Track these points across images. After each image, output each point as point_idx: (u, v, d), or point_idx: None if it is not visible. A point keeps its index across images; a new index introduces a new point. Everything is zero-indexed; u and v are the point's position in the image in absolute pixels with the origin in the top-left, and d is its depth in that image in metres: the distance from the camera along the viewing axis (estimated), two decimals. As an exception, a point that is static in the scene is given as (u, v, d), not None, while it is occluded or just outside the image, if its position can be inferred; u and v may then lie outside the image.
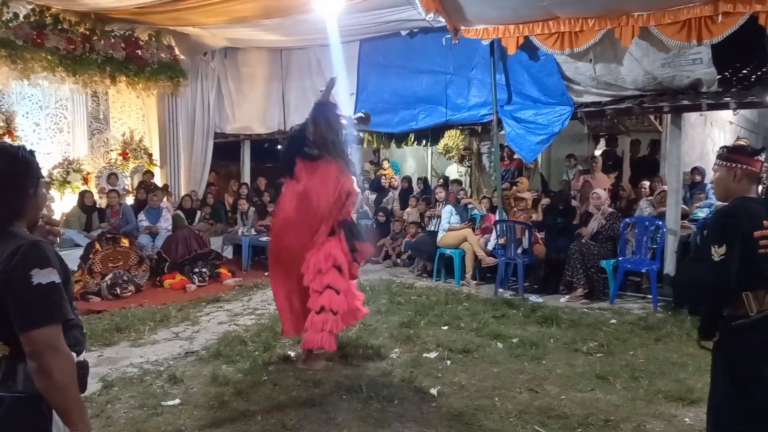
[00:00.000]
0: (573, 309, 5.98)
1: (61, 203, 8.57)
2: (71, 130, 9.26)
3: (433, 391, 3.80)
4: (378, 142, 9.33)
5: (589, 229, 6.61)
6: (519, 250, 6.82)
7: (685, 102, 6.40)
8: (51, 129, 9.07)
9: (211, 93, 10.32)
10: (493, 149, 7.98)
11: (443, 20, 6.86)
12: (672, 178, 6.65)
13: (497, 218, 7.35)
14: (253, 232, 9.05)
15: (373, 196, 10.29)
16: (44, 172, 8.52)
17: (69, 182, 8.72)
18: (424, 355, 4.58)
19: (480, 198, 8.19)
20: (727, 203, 2.39)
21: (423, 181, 10.61)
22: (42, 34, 8.00)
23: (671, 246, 6.42)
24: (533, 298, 6.45)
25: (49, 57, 8.11)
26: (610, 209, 6.74)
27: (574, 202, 7.36)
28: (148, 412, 3.57)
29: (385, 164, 11.42)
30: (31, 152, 1.68)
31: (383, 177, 10.52)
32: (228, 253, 9.17)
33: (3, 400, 1.47)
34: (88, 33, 8.51)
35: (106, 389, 3.93)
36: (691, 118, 8.09)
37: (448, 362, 4.41)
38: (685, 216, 6.88)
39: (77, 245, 7.53)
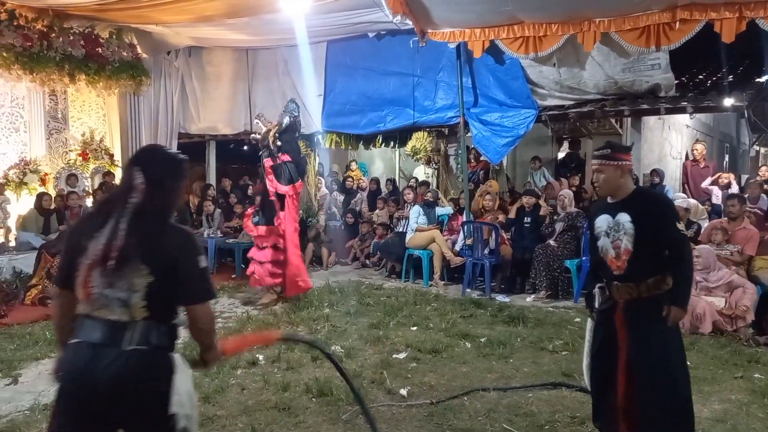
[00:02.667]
0: (539, 308, 6.09)
1: (18, 205, 8.27)
2: (28, 130, 8.95)
3: (403, 392, 3.82)
4: (346, 144, 9.31)
5: (556, 230, 6.73)
6: (486, 251, 6.91)
7: (645, 106, 6.62)
8: (6, 129, 8.75)
9: (175, 92, 10.12)
10: (459, 151, 8.07)
11: (410, 23, 6.91)
12: (632, 180, 6.83)
13: (464, 219, 7.43)
14: (219, 234, 8.93)
15: (341, 198, 10.27)
16: (-1, 173, 8.30)
17: (26, 183, 8.42)
18: (394, 356, 4.59)
19: (447, 200, 8.26)
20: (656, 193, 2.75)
21: (392, 182, 10.64)
22: (-4, 31, 7.71)
23: (632, 245, 6.59)
24: (500, 298, 6.54)
25: (4, 54, 7.83)
26: (575, 210, 6.88)
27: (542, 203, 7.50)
28: (112, 420, 3.49)
29: (353, 165, 11.40)
30: (182, 154, 2.07)
31: (350, 178, 10.51)
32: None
33: (143, 352, 1.82)
34: (45, 30, 8.24)
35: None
36: (650, 121, 8.35)
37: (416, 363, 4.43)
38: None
39: (34, 248, 7.28)
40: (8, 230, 7.91)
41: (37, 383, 4.06)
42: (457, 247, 7.36)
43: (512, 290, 6.89)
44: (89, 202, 8.73)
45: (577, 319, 5.66)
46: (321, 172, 10.49)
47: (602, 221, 2.85)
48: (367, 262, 8.66)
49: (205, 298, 1.90)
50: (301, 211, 9.34)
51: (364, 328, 5.33)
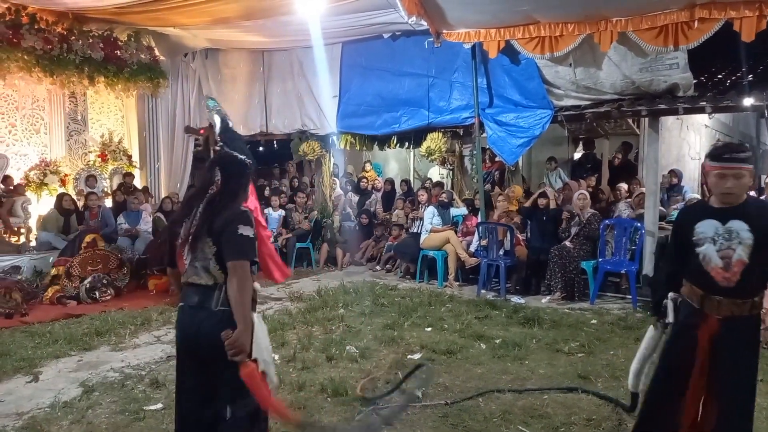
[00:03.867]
0: (554, 310, 6.05)
1: (38, 206, 8.42)
2: (48, 132, 9.12)
3: (417, 393, 3.82)
4: (361, 145, 9.33)
5: (571, 234, 6.69)
6: (501, 252, 6.88)
7: (662, 106, 6.53)
8: (27, 130, 8.92)
9: (192, 94, 10.22)
10: (474, 152, 8.05)
11: (425, 23, 6.90)
12: (650, 181, 6.78)
13: (479, 220, 7.41)
14: (235, 234, 8.98)
15: (355, 198, 10.30)
16: (20, 174, 8.46)
17: (46, 184, 8.59)
18: (408, 356, 4.60)
19: (461, 200, 8.24)
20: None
21: (406, 183, 10.64)
22: (18, 34, 7.85)
23: (649, 247, 6.54)
24: (515, 299, 6.51)
25: (26, 57, 7.96)
26: (591, 210, 6.83)
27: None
28: (130, 417, 3.53)
29: (368, 166, 11.43)
30: (248, 159, 2.55)
31: (365, 179, 10.53)
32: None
33: (228, 312, 2.27)
34: (65, 33, 8.38)
35: (87, 394, 3.87)
36: (668, 121, 8.25)
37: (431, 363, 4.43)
38: (662, 218, 7.01)
39: (54, 248, 7.41)
40: (29, 230, 8.04)
41: (57, 381, 4.13)
42: (472, 248, 7.33)
43: (527, 292, 6.85)
44: (108, 202, 8.86)
45: (593, 321, 5.63)
46: (336, 173, 10.53)
47: (707, 227, 2.53)
48: (378, 267, 8.59)
49: (238, 257, 2.29)
50: (316, 212, 9.40)
51: (379, 329, 5.34)
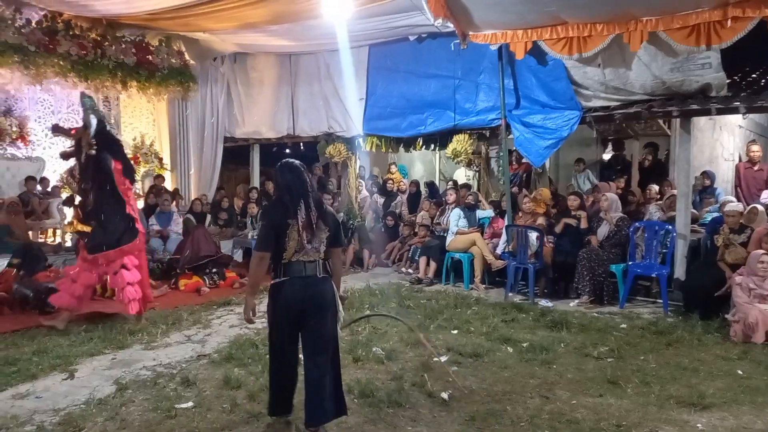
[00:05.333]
0: (582, 313, 5.98)
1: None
2: (83, 135, 9.35)
3: (444, 396, 3.82)
4: (386, 147, 9.36)
5: (598, 236, 6.60)
6: (528, 255, 6.82)
7: (695, 106, 6.40)
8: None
9: (221, 98, 10.41)
10: (501, 153, 8.00)
11: (452, 25, 6.89)
12: (681, 183, 6.65)
13: (506, 223, 7.36)
14: (262, 235, 9.08)
15: (381, 200, 10.32)
16: (56, 177, 8.71)
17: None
18: (435, 359, 4.60)
19: (488, 202, 8.20)
20: None
21: (430, 185, 10.63)
22: (54, 40, 8.10)
23: (681, 250, 6.42)
24: (543, 303, 6.45)
25: (61, 62, 8.22)
26: (619, 214, 6.73)
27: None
28: (162, 415, 3.60)
29: (393, 168, 11.46)
30: (301, 165, 3.37)
31: (390, 181, 10.56)
32: (238, 256, 9.22)
33: (325, 277, 3.28)
34: (99, 38, 8.62)
35: (120, 392, 3.96)
36: (701, 122, 8.08)
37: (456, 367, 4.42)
38: (694, 220, 6.87)
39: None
40: (65, 231, 8.28)
41: (92, 378, 4.24)
42: (499, 251, 7.30)
43: (555, 295, 6.78)
44: (140, 203, 9.06)
45: (623, 326, 5.55)
46: (362, 175, 10.57)
47: None
48: (410, 270, 8.55)
49: (343, 245, 3.68)
50: (342, 213, 9.46)
51: (405, 331, 5.33)
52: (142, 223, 8.11)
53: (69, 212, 8.43)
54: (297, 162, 3.35)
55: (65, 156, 5.96)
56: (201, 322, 5.84)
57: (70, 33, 8.30)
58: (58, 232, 8.29)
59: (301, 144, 11.14)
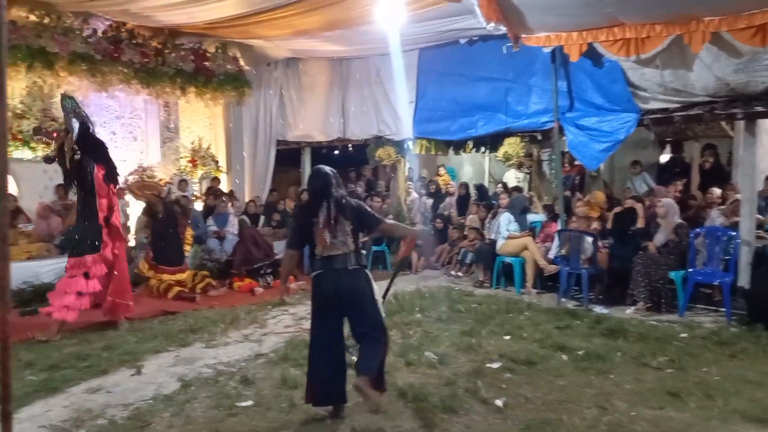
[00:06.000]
0: (640, 321, 5.83)
1: (137, 208, 9.03)
2: (145, 139, 9.78)
3: (499, 403, 3.81)
4: (436, 149, 9.38)
5: (656, 242, 6.43)
6: (582, 260, 6.70)
7: (760, 108, 6.15)
8: (126, 138, 9.60)
9: (274, 102, 10.65)
10: (553, 156, 7.89)
11: (504, 28, 6.85)
12: (746, 187, 6.39)
13: (559, 227, 7.26)
14: (314, 237, 9.24)
15: (429, 202, 10.34)
16: (120, 179, 9.11)
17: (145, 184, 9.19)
18: (487, 365, 4.59)
19: (540, 206, 8.10)
20: None
21: (479, 188, 10.57)
22: (118, 49, 8.49)
23: (745, 257, 6.17)
24: (598, 309, 6.33)
25: (125, 70, 8.60)
26: (678, 220, 6.51)
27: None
28: (224, 413, 3.74)
29: (441, 170, 11.45)
30: (329, 171, 3.62)
31: (437, 183, 10.56)
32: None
33: (358, 269, 3.52)
34: (160, 47, 8.98)
35: (184, 388, 4.13)
36: (765, 124, 7.73)
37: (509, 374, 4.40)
38: (759, 226, 6.59)
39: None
40: (128, 231, 8.66)
41: (158, 375, 4.44)
42: (551, 255, 7.20)
43: (610, 301, 6.62)
44: (198, 205, 9.39)
45: (683, 335, 5.39)
46: (411, 177, 10.62)
47: None
48: (460, 273, 8.56)
49: (382, 221, 3.71)
50: (391, 216, 9.53)
51: (456, 335, 5.35)
52: (200, 225, 8.47)
53: (132, 213, 8.85)
54: (324, 168, 3.64)
55: (48, 160, 5.81)
56: (257, 322, 6.02)
57: (133, 42, 8.69)
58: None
59: (350, 146, 11.30)
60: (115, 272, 5.63)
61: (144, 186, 7.56)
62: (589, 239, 6.65)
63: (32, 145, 8.12)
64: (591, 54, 6.89)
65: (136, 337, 5.34)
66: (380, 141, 9.91)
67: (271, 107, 10.63)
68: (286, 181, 12.11)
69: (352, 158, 11.90)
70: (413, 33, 7.88)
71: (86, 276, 5.33)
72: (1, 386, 2.52)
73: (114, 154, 9.12)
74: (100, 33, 8.38)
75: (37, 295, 6.44)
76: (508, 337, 5.32)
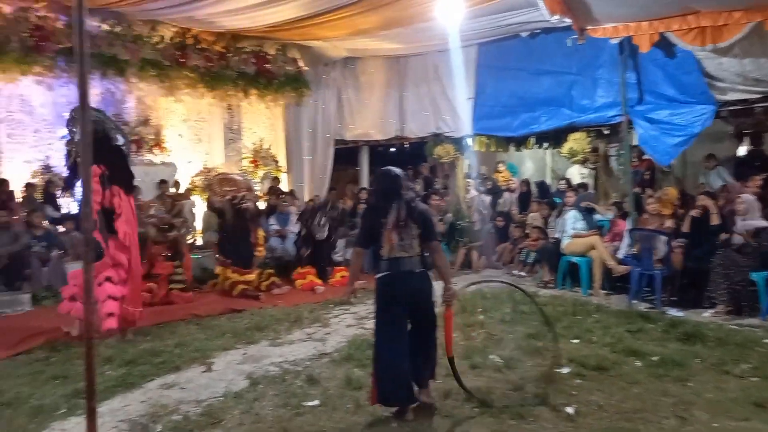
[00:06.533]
0: (719, 325, 5.50)
1: (203, 207, 9.33)
2: (209, 141, 10.09)
3: (570, 410, 3.69)
4: (496, 146, 9.20)
5: (734, 241, 6.03)
6: (654, 260, 6.40)
7: None
8: (192, 140, 9.93)
9: (332, 101, 10.76)
10: (622, 152, 7.58)
11: (568, 20, 6.62)
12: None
13: (628, 225, 6.96)
14: (372, 235, 9.25)
15: (488, 199, 10.16)
16: (187, 179, 9.44)
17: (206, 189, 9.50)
18: (555, 370, 4.46)
19: (609, 203, 7.79)
20: None
21: (540, 185, 10.29)
22: (185, 54, 8.80)
23: (837, 258, 5.73)
24: (672, 312, 6.03)
25: (191, 75, 8.90)
26: (760, 222, 6.07)
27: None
28: (292, 412, 3.78)
29: (501, 167, 11.22)
30: (398, 172, 3.71)
31: (494, 179, 10.37)
32: (350, 255, 9.48)
33: (423, 272, 3.60)
34: (223, 51, 9.23)
35: (253, 386, 4.22)
36: None
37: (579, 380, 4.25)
38: None
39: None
40: (195, 230, 8.96)
41: (227, 372, 4.55)
42: (620, 255, 6.91)
43: (686, 304, 6.28)
44: (261, 205, 9.60)
45: (767, 340, 5.05)
46: (470, 174, 10.47)
47: None
48: (523, 273, 8.35)
49: (438, 238, 3.76)
50: (450, 214, 9.43)
51: (521, 338, 5.23)
52: (263, 225, 8.63)
53: (198, 213, 9.15)
54: (394, 169, 3.70)
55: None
56: (320, 321, 6.08)
57: (198, 47, 8.97)
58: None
59: (407, 144, 11.25)
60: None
61: (226, 181, 7.62)
62: (663, 238, 6.34)
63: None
64: (662, 44, 6.58)
65: (205, 335, 5.51)
66: (438, 138, 9.82)
67: (329, 107, 10.74)
68: (344, 180, 12.21)
69: (409, 156, 11.85)
70: (472, 28, 7.75)
71: (109, 280, 5.20)
72: (87, 383, 2.65)
73: (179, 156, 9.57)
74: (167, 40, 8.69)
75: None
76: (576, 341, 5.15)
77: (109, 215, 5.21)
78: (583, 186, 8.35)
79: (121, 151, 5.39)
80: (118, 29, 8.14)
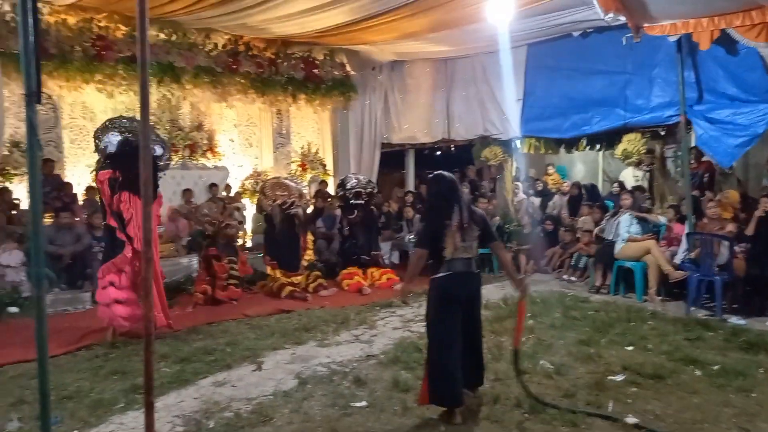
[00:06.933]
0: (785, 335, 5.22)
1: (253, 210, 9.54)
2: (259, 145, 10.31)
3: (630, 420, 3.55)
4: (546, 148, 9.03)
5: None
6: (714, 265, 6.12)
7: None
8: (243, 144, 10.18)
9: (379, 105, 10.80)
10: (679, 153, 7.30)
11: (623, 19, 6.44)
12: None
13: (686, 229, 6.69)
14: (418, 238, 9.22)
15: (537, 202, 9.97)
16: (237, 183, 9.67)
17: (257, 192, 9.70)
18: (609, 377, 4.32)
19: (665, 207, 7.51)
20: None
21: (591, 188, 9.99)
22: (236, 61, 9.01)
23: None
24: (733, 320, 5.75)
25: (242, 81, 9.12)
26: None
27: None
28: (340, 412, 3.81)
29: (550, 169, 11.00)
30: (453, 176, 3.84)
31: (543, 182, 10.17)
32: (395, 258, 9.51)
33: (479, 273, 3.79)
34: (273, 57, 9.41)
35: (302, 386, 4.27)
36: None
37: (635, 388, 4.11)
38: None
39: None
40: (245, 233, 9.17)
41: (276, 371, 4.62)
42: (677, 260, 6.65)
43: (748, 311, 5.99)
44: (309, 208, 9.73)
45: (839, 353, 4.75)
46: (518, 177, 10.31)
47: None
48: (572, 278, 8.16)
49: (497, 238, 3.91)
50: (497, 217, 9.30)
51: (573, 344, 5.09)
52: (311, 228, 8.73)
53: (249, 215, 9.36)
54: (448, 173, 3.85)
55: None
56: (366, 323, 6.09)
57: (249, 53, 9.18)
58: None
59: (453, 147, 11.17)
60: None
61: (279, 185, 7.77)
62: (726, 243, 6.06)
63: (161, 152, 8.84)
64: (723, 41, 6.31)
65: (255, 334, 5.61)
66: (486, 141, 9.72)
67: (376, 110, 10.79)
68: (389, 183, 12.23)
69: (455, 159, 11.76)
70: (522, 28, 7.64)
71: (113, 285, 5.30)
72: (145, 379, 2.75)
73: (231, 160, 9.81)
74: (220, 47, 8.94)
75: (168, 291, 6.98)
76: (630, 348, 4.98)
77: (122, 220, 5.27)
78: (639, 189, 8.07)
79: (152, 161, 5.20)
80: (174, 38, 8.42)
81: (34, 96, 2.48)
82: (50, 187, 7.59)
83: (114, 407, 3.88)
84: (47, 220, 6.98)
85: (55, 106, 8.19)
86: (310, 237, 8.05)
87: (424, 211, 3.92)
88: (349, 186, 8.14)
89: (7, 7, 7.13)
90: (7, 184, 7.60)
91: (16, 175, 7.65)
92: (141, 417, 3.09)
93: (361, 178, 8.55)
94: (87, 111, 8.52)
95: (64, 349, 5.07)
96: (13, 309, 6.34)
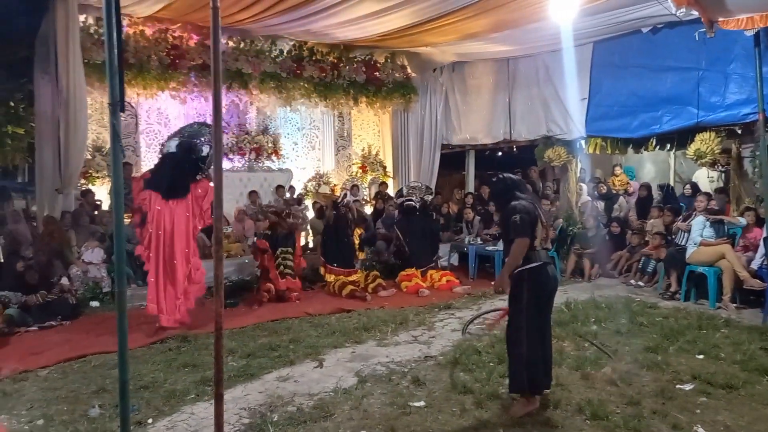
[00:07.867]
0: None
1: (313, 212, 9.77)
2: (321, 148, 10.56)
3: (699, 431, 3.42)
4: (612, 148, 8.75)
5: None
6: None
7: None
8: (306, 147, 10.45)
9: (439, 106, 10.81)
10: (757, 152, 6.89)
11: (696, 13, 6.15)
12: None
13: (765, 233, 6.32)
14: (478, 240, 9.19)
15: (602, 204, 9.66)
16: (300, 185, 9.93)
17: (320, 193, 9.95)
18: (677, 386, 4.16)
19: (742, 209, 7.11)
20: None
21: (665, 188, 9.59)
22: (300, 66, 9.26)
23: None
24: (816, 331, 5.40)
25: (306, 85, 9.36)
26: None
27: None
28: (398, 410, 3.86)
29: (618, 170, 10.64)
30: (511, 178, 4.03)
31: (603, 184, 9.85)
32: (454, 260, 9.48)
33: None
34: (335, 61, 9.60)
35: (361, 384, 4.35)
36: None
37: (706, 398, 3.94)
38: None
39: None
40: (307, 233, 9.40)
41: (337, 369, 4.74)
42: (754, 266, 6.29)
43: (833, 323, 5.62)
44: (368, 209, 9.87)
45: None
46: (582, 178, 10.04)
47: None
48: (640, 283, 7.87)
49: (514, 236, 3.72)
50: (561, 219, 9.09)
51: (639, 351, 4.93)
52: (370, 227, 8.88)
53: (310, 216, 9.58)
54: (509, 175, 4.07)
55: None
56: (425, 324, 6.13)
57: (313, 58, 9.42)
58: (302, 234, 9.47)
59: (514, 147, 11.00)
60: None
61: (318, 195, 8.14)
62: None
63: (230, 156, 9.23)
64: (807, 32, 5.91)
65: (316, 332, 5.77)
66: (549, 141, 9.53)
67: (437, 112, 10.80)
68: (449, 184, 12.19)
69: (516, 159, 11.58)
70: (587, 26, 7.47)
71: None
72: (215, 372, 2.90)
73: (294, 163, 10.09)
74: (285, 53, 9.22)
75: (235, 289, 7.30)
76: (701, 357, 4.77)
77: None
78: (722, 191, 7.69)
79: (195, 162, 5.84)
80: (242, 45, 8.76)
81: (118, 105, 2.67)
82: (129, 190, 8.07)
83: (186, 398, 4.10)
84: (126, 221, 7.42)
85: (134, 113, 8.70)
86: (358, 232, 8.22)
87: (517, 205, 3.77)
88: (399, 201, 8.61)
89: (91, 20, 7.65)
90: (90, 186, 8.15)
91: (97, 177, 8.20)
92: (210, 408, 3.26)
93: (417, 184, 8.76)
94: (161, 117, 9.00)
95: (141, 342, 5.39)
96: (95, 303, 6.80)
